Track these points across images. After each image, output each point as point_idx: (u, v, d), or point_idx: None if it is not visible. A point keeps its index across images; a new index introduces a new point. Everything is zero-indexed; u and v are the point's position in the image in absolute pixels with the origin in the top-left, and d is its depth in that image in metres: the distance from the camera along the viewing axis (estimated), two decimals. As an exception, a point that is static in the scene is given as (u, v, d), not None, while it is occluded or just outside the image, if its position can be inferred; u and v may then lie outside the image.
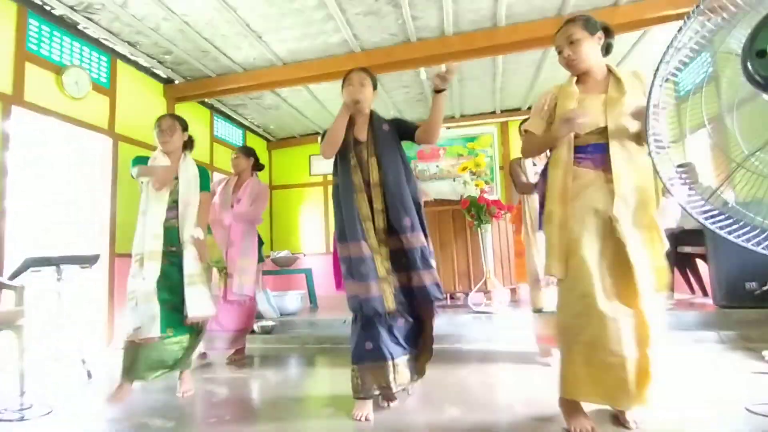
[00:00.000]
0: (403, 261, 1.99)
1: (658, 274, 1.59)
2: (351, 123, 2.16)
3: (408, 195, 2.05)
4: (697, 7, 1.32)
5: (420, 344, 2.09)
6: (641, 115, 1.53)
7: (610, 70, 1.74)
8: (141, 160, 2.43)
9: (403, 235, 1.97)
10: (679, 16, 3.39)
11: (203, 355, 3.23)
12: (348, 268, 1.98)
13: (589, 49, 1.70)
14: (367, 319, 1.92)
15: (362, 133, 2.13)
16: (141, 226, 2.32)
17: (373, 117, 2.15)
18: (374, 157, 2.06)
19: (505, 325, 3.52)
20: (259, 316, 3.94)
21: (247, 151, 3.44)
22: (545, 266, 1.71)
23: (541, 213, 1.86)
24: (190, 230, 2.35)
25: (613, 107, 1.65)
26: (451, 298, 4.78)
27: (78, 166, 3.79)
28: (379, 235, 2.01)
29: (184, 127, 2.52)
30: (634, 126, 1.64)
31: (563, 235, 1.66)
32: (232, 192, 3.32)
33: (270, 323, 3.88)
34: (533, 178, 2.76)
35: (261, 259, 3.46)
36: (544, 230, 1.74)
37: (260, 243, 3.45)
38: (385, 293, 1.93)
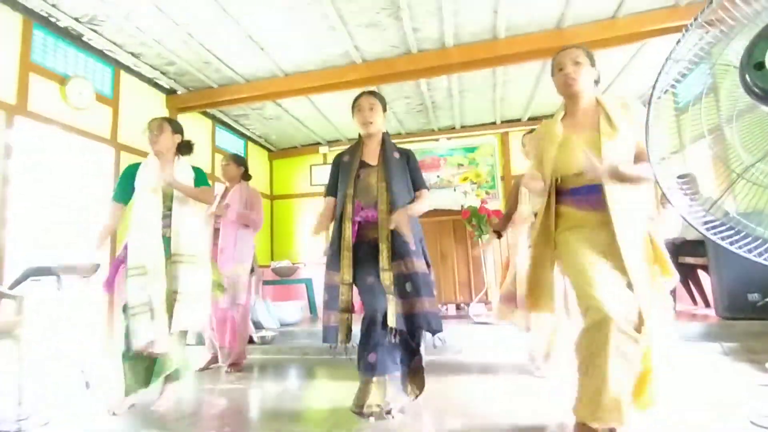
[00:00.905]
0: (407, 286, 1.99)
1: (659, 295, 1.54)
2: (361, 146, 2.19)
3: (415, 220, 2.12)
4: (695, 19, 1.34)
5: (413, 365, 2.09)
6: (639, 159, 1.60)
7: (599, 103, 1.75)
8: (129, 170, 2.43)
9: (409, 258, 1.99)
10: (677, 29, 3.43)
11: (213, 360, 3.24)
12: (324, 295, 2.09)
13: (587, 74, 1.75)
14: (366, 330, 1.96)
15: (373, 157, 2.15)
16: (138, 237, 2.27)
17: (385, 142, 2.17)
18: (384, 182, 2.07)
19: (506, 335, 3.49)
20: (259, 326, 3.92)
21: (238, 159, 3.42)
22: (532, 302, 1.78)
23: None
24: (183, 245, 2.30)
25: (607, 145, 1.63)
26: (458, 308, 4.77)
27: (80, 176, 3.80)
28: (383, 261, 1.99)
29: (175, 129, 2.46)
30: (628, 164, 1.62)
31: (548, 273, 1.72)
32: (219, 200, 3.29)
33: (270, 333, 3.86)
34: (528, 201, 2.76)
35: (252, 269, 3.34)
36: (535, 272, 1.78)
37: None
38: (342, 325, 2.01)
